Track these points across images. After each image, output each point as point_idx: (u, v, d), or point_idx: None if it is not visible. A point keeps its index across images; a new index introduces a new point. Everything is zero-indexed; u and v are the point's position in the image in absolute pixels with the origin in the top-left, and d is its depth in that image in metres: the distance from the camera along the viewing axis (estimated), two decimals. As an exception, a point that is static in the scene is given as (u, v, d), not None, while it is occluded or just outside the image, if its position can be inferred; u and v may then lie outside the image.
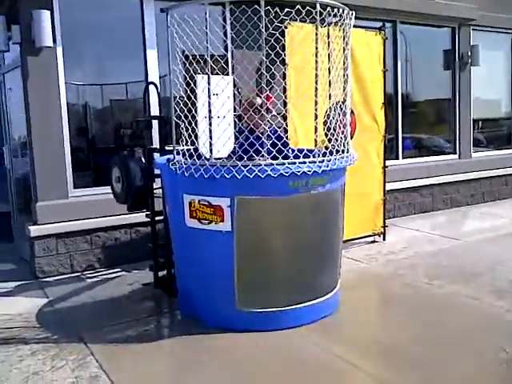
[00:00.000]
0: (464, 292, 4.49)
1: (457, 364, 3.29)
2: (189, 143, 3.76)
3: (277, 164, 3.58)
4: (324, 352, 3.48)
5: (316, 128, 3.94)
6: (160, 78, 5.80)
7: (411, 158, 7.93)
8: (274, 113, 3.90)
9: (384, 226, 6.27)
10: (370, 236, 6.21)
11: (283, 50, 4.21)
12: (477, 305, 4.22)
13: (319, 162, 3.71)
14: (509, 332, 3.72)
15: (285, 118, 4.53)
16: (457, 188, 8.31)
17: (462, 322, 3.95)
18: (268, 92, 3.80)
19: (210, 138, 3.68)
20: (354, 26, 4.46)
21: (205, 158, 3.70)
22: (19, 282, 5.14)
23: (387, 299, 4.71)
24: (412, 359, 3.36)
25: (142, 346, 3.64)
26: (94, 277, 5.27)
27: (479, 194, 8.66)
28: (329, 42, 4.28)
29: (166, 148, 4.41)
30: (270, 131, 3.84)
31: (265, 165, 3.56)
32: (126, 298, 4.62)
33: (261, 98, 4.09)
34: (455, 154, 8.50)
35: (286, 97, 4.27)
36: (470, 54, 8.38)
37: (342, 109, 4.17)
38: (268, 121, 3.79)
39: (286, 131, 4.51)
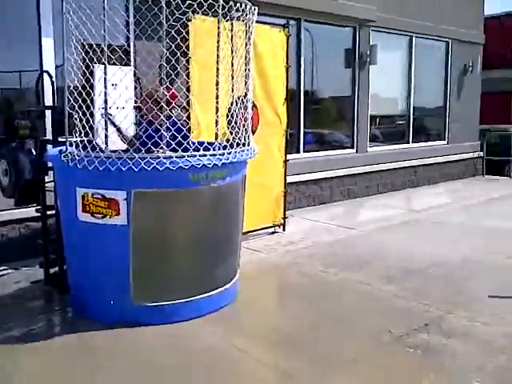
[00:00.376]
0: (357, 278, 4.77)
1: (343, 345, 3.52)
2: (83, 135, 3.63)
3: (176, 157, 3.56)
4: (221, 341, 3.55)
5: (217, 121, 3.98)
6: (57, 67, 5.52)
7: (312, 151, 8.23)
8: (174, 105, 3.88)
9: (284, 218, 6.46)
10: (270, 227, 6.37)
11: (185, 42, 4.18)
12: (368, 290, 4.51)
13: (219, 154, 3.75)
14: (395, 315, 4.02)
15: (187, 110, 4.54)
16: (354, 180, 8.77)
17: (353, 306, 4.21)
18: (168, 84, 3.77)
19: (106, 129, 3.58)
20: (259, 22, 4.54)
21: (100, 149, 3.59)
22: None
23: (285, 288, 4.89)
24: (303, 344, 3.52)
25: (26, 346, 3.46)
26: (-20, 275, 4.94)
27: (374, 186, 9.19)
28: (232, 37, 4.32)
29: (60, 139, 4.22)
30: (170, 123, 3.82)
31: (163, 157, 3.53)
32: (12, 296, 4.35)
33: (161, 89, 4.05)
34: (353, 148, 8.95)
35: (188, 89, 4.26)
36: (368, 53, 8.82)
37: (243, 103, 4.23)
38: (168, 113, 3.76)
39: (187, 124, 4.52)
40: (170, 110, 3.84)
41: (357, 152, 8.96)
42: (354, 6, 8.15)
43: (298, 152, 7.94)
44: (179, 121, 4.05)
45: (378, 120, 9.72)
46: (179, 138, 3.74)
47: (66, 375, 3.16)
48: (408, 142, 10.13)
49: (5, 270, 5.04)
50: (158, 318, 3.74)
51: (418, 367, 3.26)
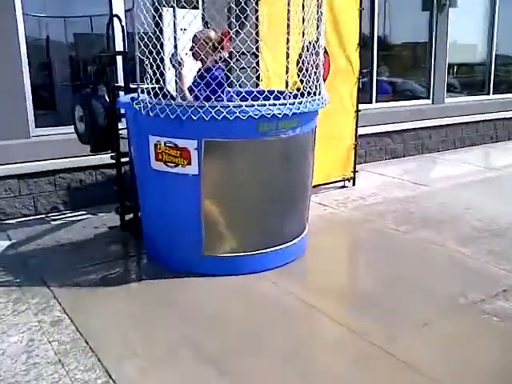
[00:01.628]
0: (431, 238, 4.55)
1: (417, 307, 3.36)
2: (153, 81, 3.57)
3: (246, 106, 3.44)
4: (289, 295, 3.50)
5: (287, 68, 3.79)
6: (126, 11, 5.45)
7: (385, 102, 7.83)
8: (232, 50, 3.71)
9: (354, 171, 6.25)
10: (339, 181, 6.18)
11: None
12: (443, 250, 4.29)
13: (290, 104, 3.59)
14: (471, 278, 3.80)
15: (256, 56, 4.36)
16: (429, 133, 8.31)
17: (426, 267, 4.01)
18: (228, 28, 3.60)
19: (177, 76, 3.50)
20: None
21: (171, 97, 3.52)
22: (-21, 224, 5.00)
23: (355, 244, 4.76)
24: (374, 302, 3.41)
25: (106, 289, 3.60)
26: (59, 219, 5.14)
27: (450, 140, 8.69)
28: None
29: (131, 86, 4.20)
30: (210, 70, 3.70)
31: (233, 106, 3.42)
32: (92, 241, 4.54)
33: (216, 32, 3.89)
34: (428, 98, 8.44)
35: (257, 34, 4.07)
36: (448, -6, 8.16)
37: (314, 48, 4.00)
38: (219, 58, 3.63)
39: (257, 71, 4.37)
40: (239, 55, 3.70)
41: (433, 103, 8.44)
42: None
43: (370, 102, 7.56)
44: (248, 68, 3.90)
45: (456, 69, 9.08)
46: (213, 85, 3.55)
47: (140, 318, 3.25)
48: (488, 94, 9.44)
49: (84, 214, 5.25)
50: (227, 269, 3.75)
51: (495, 334, 3.07)
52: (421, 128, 8.13)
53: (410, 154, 8.07)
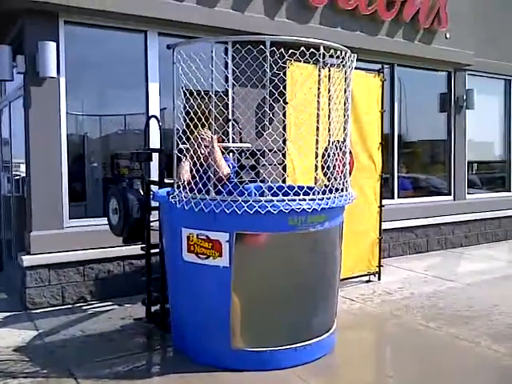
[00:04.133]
0: (461, 335, 4.44)
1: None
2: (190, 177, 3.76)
3: (277, 200, 3.58)
4: (320, 394, 3.41)
5: (316, 166, 3.97)
6: (160, 110, 5.85)
7: (407, 197, 7.98)
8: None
9: (379, 266, 6.24)
10: (365, 275, 6.17)
11: (283, 88, 4.26)
12: (473, 348, 4.17)
13: (319, 199, 3.72)
14: (505, 378, 3.67)
15: (284, 155, 4.59)
16: (452, 229, 8.34)
17: (458, 365, 3.90)
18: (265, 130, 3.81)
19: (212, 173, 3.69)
20: (355, 68, 4.54)
21: (205, 192, 3.69)
22: (8, 313, 5.03)
23: (383, 341, 4.65)
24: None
25: (133, 382, 3.54)
26: (86, 309, 5.17)
27: (474, 236, 8.69)
28: (330, 83, 4.36)
29: (166, 181, 4.41)
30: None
31: (265, 201, 3.56)
32: (118, 332, 4.52)
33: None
34: (450, 195, 8.57)
35: (284, 130, 4.29)
36: (465, 97, 8.55)
37: (341, 148, 4.20)
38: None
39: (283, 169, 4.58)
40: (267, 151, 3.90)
41: (454, 199, 8.56)
42: (449, 50, 7.98)
43: (392, 198, 7.72)
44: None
45: (475, 166, 9.29)
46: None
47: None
48: (509, 190, 9.56)
49: (110, 305, 5.28)
50: (254, 364, 3.69)
51: None
52: (444, 223, 8.19)
53: (433, 249, 8.06)
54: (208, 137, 3.95)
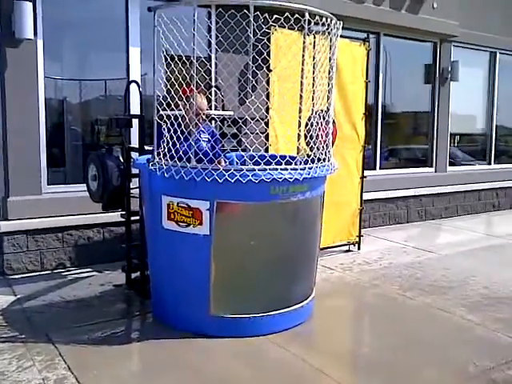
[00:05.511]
0: (437, 304, 4.53)
1: (423, 374, 3.32)
2: (171, 144, 3.69)
3: (259, 170, 3.56)
4: (295, 359, 3.46)
5: (299, 135, 3.94)
6: (140, 76, 5.72)
7: (388, 169, 8.01)
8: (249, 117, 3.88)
9: (359, 236, 6.30)
10: (345, 245, 6.23)
11: (266, 55, 4.18)
12: (449, 317, 4.26)
13: (301, 169, 3.70)
14: (479, 346, 3.77)
15: (266, 123, 4.54)
16: (432, 201, 8.44)
17: (433, 333, 3.98)
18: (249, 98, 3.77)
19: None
20: (339, 36, 4.47)
21: (185, 159, 3.64)
22: (-15, 279, 4.99)
23: (361, 309, 4.73)
24: (381, 368, 3.36)
25: (111, 348, 3.56)
26: (65, 276, 5.15)
27: (453, 208, 8.81)
28: (314, 51, 4.29)
29: (146, 148, 4.34)
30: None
31: (247, 170, 3.53)
32: (97, 298, 4.52)
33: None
34: (431, 167, 8.63)
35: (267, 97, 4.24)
36: (450, 69, 8.53)
37: (324, 117, 4.17)
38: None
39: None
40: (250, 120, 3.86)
41: (435, 171, 8.63)
42: (435, 20, 7.91)
43: (374, 169, 7.74)
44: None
45: (457, 138, 9.34)
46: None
47: (144, 380, 3.21)
48: (490, 163, 9.67)
49: (90, 271, 5.26)
50: (233, 330, 3.72)
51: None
52: (424, 195, 8.27)
53: (413, 220, 8.16)
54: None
